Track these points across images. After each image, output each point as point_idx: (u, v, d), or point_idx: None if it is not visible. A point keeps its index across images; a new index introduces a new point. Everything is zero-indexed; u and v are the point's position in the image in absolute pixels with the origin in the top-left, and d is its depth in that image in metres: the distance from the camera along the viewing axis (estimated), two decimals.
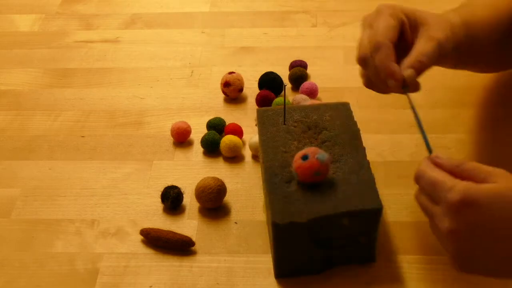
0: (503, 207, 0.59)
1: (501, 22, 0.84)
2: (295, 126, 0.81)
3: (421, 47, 0.74)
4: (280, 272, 0.76)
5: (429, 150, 0.68)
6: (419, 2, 1.20)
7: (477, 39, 0.81)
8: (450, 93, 0.99)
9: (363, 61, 0.75)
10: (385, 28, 0.73)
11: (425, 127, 0.94)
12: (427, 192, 0.65)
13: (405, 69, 0.73)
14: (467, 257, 0.62)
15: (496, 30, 0.83)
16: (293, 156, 0.75)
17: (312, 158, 0.72)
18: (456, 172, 0.64)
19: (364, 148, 0.78)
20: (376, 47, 0.72)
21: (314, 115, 0.82)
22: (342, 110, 0.83)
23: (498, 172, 0.62)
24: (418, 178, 0.66)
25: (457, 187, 0.60)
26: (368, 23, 0.76)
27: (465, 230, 0.60)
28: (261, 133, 0.81)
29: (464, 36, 0.78)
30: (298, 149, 0.77)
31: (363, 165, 0.76)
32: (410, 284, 0.74)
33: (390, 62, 0.72)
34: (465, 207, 0.59)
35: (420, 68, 0.73)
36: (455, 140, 0.92)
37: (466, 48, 0.80)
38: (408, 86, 0.73)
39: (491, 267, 0.63)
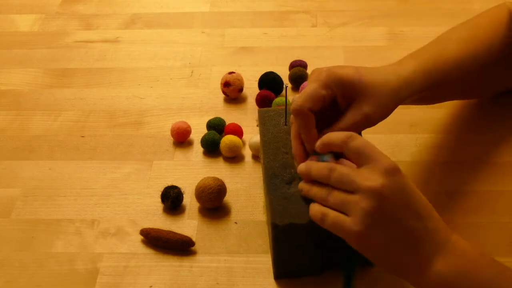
0: (412, 192, 0.66)
1: (477, 59, 0.85)
2: None
3: (345, 120, 0.74)
4: (279, 273, 0.76)
5: None
6: (419, 2, 1.21)
7: (445, 82, 0.82)
8: None
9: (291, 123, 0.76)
10: (309, 97, 0.72)
11: (425, 127, 0.95)
12: (355, 151, 0.67)
13: (319, 140, 0.72)
14: (378, 219, 0.64)
15: (470, 67, 0.85)
16: (294, 158, 0.75)
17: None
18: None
19: None
20: (294, 113, 0.73)
21: None
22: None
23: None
24: (346, 137, 0.68)
25: (387, 158, 0.67)
26: (311, 79, 0.75)
27: (395, 188, 0.65)
28: (262, 134, 0.81)
29: (424, 81, 0.79)
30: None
31: None
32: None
33: (296, 141, 0.74)
34: (397, 170, 0.65)
35: (330, 144, 0.73)
36: (455, 140, 0.92)
37: (432, 91, 0.81)
38: None
39: (380, 243, 0.66)
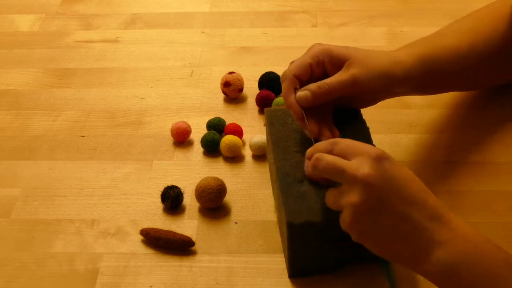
0: (403, 179, 0.66)
1: (475, 49, 0.86)
2: None
3: (333, 78, 0.78)
4: (294, 272, 0.76)
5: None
6: (419, 2, 1.21)
7: (442, 69, 0.83)
8: (450, 93, 0.99)
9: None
10: (296, 65, 0.79)
11: (425, 127, 0.95)
12: (343, 151, 0.68)
13: (301, 90, 0.78)
14: (367, 210, 0.65)
15: (468, 57, 0.85)
16: (304, 157, 0.76)
17: None
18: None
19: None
20: (282, 80, 0.79)
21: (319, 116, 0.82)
22: (351, 109, 0.83)
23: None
24: (336, 144, 0.70)
25: (375, 148, 0.67)
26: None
27: (381, 177, 0.64)
28: (270, 133, 0.81)
29: (419, 66, 0.81)
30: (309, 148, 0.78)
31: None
32: (424, 283, 0.73)
33: (289, 94, 0.78)
34: (384, 158, 0.66)
35: (318, 93, 0.77)
36: (455, 140, 0.92)
37: (427, 78, 0.83)
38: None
39: (374, 233, 0.66)
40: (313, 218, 0.71)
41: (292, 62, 0.80)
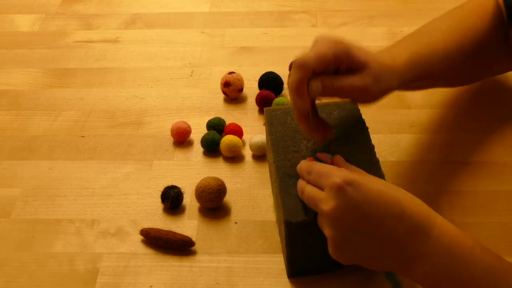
0: (369, 201, 0.65)
1: (463, 47, 0.86)
2: None
3: (346, 79, 0.74)
4: (293, 272, 0.76)
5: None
6: (419, 2, 1.21)
7: (435, 69, 0.83)
8: (450, 93, 0.99)
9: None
10: (317, 56, 0.72)
11: (425, 127, 0.95)
12: (315, 182, 0.69)
13: (314, 80, 0.73)
14: (343, 240, 0.66)
15: (456, 56, 0.85)
16: (303, 156, 0.76)
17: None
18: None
19: (373, 146, 0.78)
20: (298, 66, 0.72)
21: (322, 114, 0.82)
22: (350, 109, 0.83)
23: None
24: (309, 173, 0.71)
25: (340, 172, 0.67)
26: (319, 42, 0.76)
27: (346, 207, 0.65)
28: (270, 133, 0.81)
29: (413, 73, 0.80)
30: (308, 148, 0.78)
31: (373, 163, 0.76)
32: None
33: (303, 84, 0.72)
34: (346, 185, 0.65)
35: (329, 89, 0.73)
36: (454, 140, 0.92)
37: (419, 82, 0.82)
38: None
39: (360, 256, 0.67)
40: (312, 217, 0.71)
41: (309, 52, 0.74)
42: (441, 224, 0.66)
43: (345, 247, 0.67)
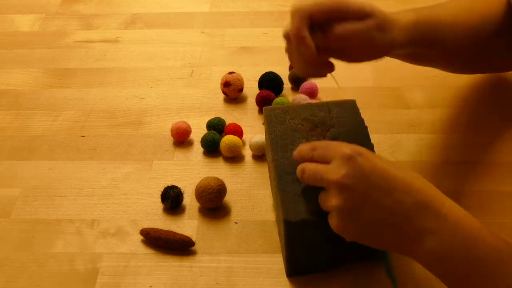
0: (379, 172, 0.66)
1: (470, 28, 0.84)
2: (302, 125, 0.81)
3: (351, 23, 0.72)
4: (292, 271, 0.76)
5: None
6: (419, 2, 1.21)
7: (440, 39, 0.82)
8: (450, 93, 0.99)
9: (286, 34, 0.74)
10: (315, 3, 0.71)
11: (425, 127, 0.95)
12: (321, 157, 0.69)
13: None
14: (350, 210, 0.66)
15: (463, 34, 0.84)
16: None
17: None
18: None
19: (372, 145, 0.78)
20: (292, 15, 0.71)
21: (321, 113, 0.82)
22: (349, 108, 0.83)
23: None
24: (313, 149, 0.71)
25: (349, 145, 0.68)
26: None
27: (356, 175, 0.65)
28: (269, 132, 0.81)
29: (417, 34, 0.78)
30: None
31: None
32: (424, 275, 0.73)
33: (303, 28, 0.70)
34: (357, 155, 0.66)
35: (341, 35, 0.71)
36: (455, 140, 0.92)
37: (424, 46, 0.80)
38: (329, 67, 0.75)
39: (365, 230, 0.67)
40: (310, 217, 0.71)
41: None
42: (450, 203, 0.65)
43: (351, 219, 0.66)
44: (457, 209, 0.65)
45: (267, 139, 0.83)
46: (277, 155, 0.78)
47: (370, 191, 0.65)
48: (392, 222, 0.65)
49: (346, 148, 0.67)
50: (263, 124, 0.85)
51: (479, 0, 0.88)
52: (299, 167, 0.72)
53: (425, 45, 0.80)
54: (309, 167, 0.70)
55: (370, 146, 0.78)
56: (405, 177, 0.66)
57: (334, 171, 0.66)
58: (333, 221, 0.67)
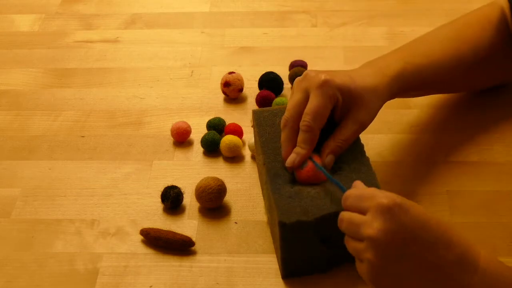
0: (419, 225, 0.63)
1: (461, 58, 0.86)
2: None
3: (344, 130, 0.76)
4: (287, 273, 0.76)
5: (343, 190, 0.71)
6: (419, 2, 1.21)
7: (430, 80, 0.84)
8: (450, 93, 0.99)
9: (283, 125, 0.77)
10: (316, 114, 0.75)
11: (425, 127, 0.95)
12: (356, 206, 0.66)
13: (325, 156, 0.76)
14: (385, 267, 0.63)
15: (453, 66, 0.86)
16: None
17: (309, 163, 0.75)
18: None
19: (362, 145, 0.79)
20: (304, 130, 0.75)
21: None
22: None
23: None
24: (346, 199, 0.68)
25: (384, 193, 0.64)
26: (300, 88, 0.77)
27: (394, 229, 0.62)
28: (259, 134, 0.81)
29: (409, 83, 0.81)
30: None
31: (363, 162, 0.77)
32: None
33: (328, 106, 0.75)
34: (395, 206, 0.62)
35: (339, 152, 0.76)
36: (455, 140, 0.92)
37: (416, 91, 0.85)
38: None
39: (400, 285, 0.64)
40: (305, 218, 0.71)
41: (298, 89, 0.77)
42: (484, 252, 0.64)
43: (386, 275, 0.63)
44: (491, 258, 0.64)
45: (256, 142, 0.83)
46: (268, 157, 0.78)
47: (409, 245, 0.62)
48: (433, 278, 0.62)
49: (382, 198, 0.63)
50: (252, 126, 0.85)
51: (470, 24, 0.88)
52: (339, 217, 0.68)
53: (415, 88, 0.83)
54: (346, 217, 0.67)
55: (360, 146, 0.79)
56: (444, 230, 0.63)
57: (369, 224, 0.63)
58: (363, 271, 0.65)
